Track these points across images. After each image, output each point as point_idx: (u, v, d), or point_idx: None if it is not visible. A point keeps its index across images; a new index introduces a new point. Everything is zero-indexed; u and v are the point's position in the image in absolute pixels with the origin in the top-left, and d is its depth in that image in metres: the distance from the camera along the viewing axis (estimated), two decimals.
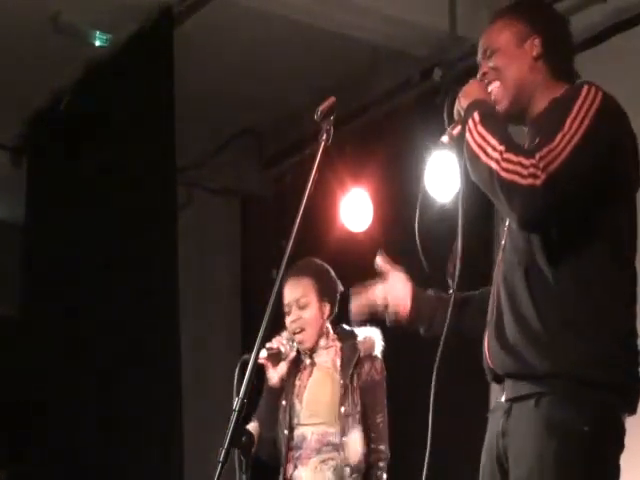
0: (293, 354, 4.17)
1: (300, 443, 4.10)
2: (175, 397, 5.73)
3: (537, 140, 2.58)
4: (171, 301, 5.83)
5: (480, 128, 2.57)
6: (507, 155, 2.48)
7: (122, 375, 5.93)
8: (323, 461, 4.07)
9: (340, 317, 4.21)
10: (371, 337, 4.17)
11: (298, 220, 2.61)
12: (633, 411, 2.57)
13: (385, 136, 6.36)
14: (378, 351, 4.17)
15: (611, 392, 2.49)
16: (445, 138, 2.75)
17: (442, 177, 5.61)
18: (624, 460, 2.55)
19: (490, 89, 2.73)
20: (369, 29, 5.95)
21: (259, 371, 2.47)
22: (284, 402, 4.14)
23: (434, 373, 2.68)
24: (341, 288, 4.24)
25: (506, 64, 2.73)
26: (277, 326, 4.10)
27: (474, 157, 2.56)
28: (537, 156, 2.45)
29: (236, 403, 2.47)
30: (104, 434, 5.96)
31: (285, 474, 4.12)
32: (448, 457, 4.23)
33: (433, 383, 2.68)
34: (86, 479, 6.02)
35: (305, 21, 5.89)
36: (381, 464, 4.09)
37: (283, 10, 5.77)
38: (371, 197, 6.25)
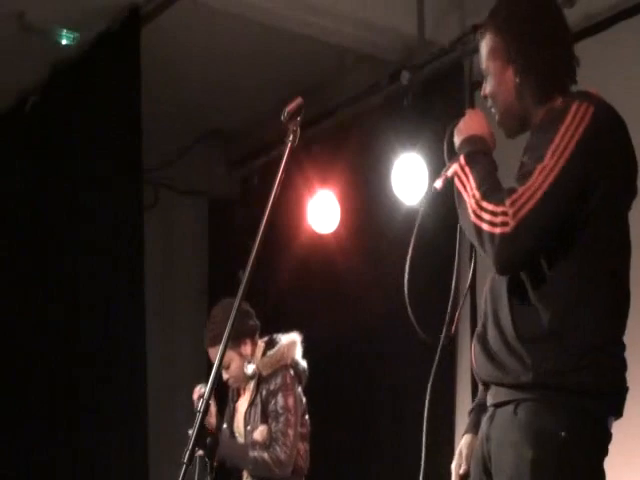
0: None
1: None
2: (141, 397, 5.72)
3: (520, 164, 2.59)
4: (138, 302, 5.82)
5: (466, 170, 2.60)
6: (482, 203, 2.51)
7: (88, 381, 5.93)
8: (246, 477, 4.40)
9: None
10: (281, 348, 4.37)
11: (265, 221, 2.61)
12: (619, 415, 2.56)
13: (353, 138, 6.36)
14: (295, 357, 4.39)
15: (593, 398, 2.48)
16: (438, 183, 2.75)
17: (410, 179, 5.64)
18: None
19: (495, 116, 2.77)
20: (337, 32, 5.95)
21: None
22: (225, 425, 4.46)
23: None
24: (254, 323, 4.47)
25: (496, 92, 2.74)
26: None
27: (458, 201, 2.61)
28: (507, 202, 2.47)
29: (200, 404, 2.47)
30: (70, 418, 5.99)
31: None
32: None
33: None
34: (45, 463, 6.05)
35: (273, 23, 5.88)
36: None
37: (251, 12, 5.76)
38: (338, 199, 6.26)
